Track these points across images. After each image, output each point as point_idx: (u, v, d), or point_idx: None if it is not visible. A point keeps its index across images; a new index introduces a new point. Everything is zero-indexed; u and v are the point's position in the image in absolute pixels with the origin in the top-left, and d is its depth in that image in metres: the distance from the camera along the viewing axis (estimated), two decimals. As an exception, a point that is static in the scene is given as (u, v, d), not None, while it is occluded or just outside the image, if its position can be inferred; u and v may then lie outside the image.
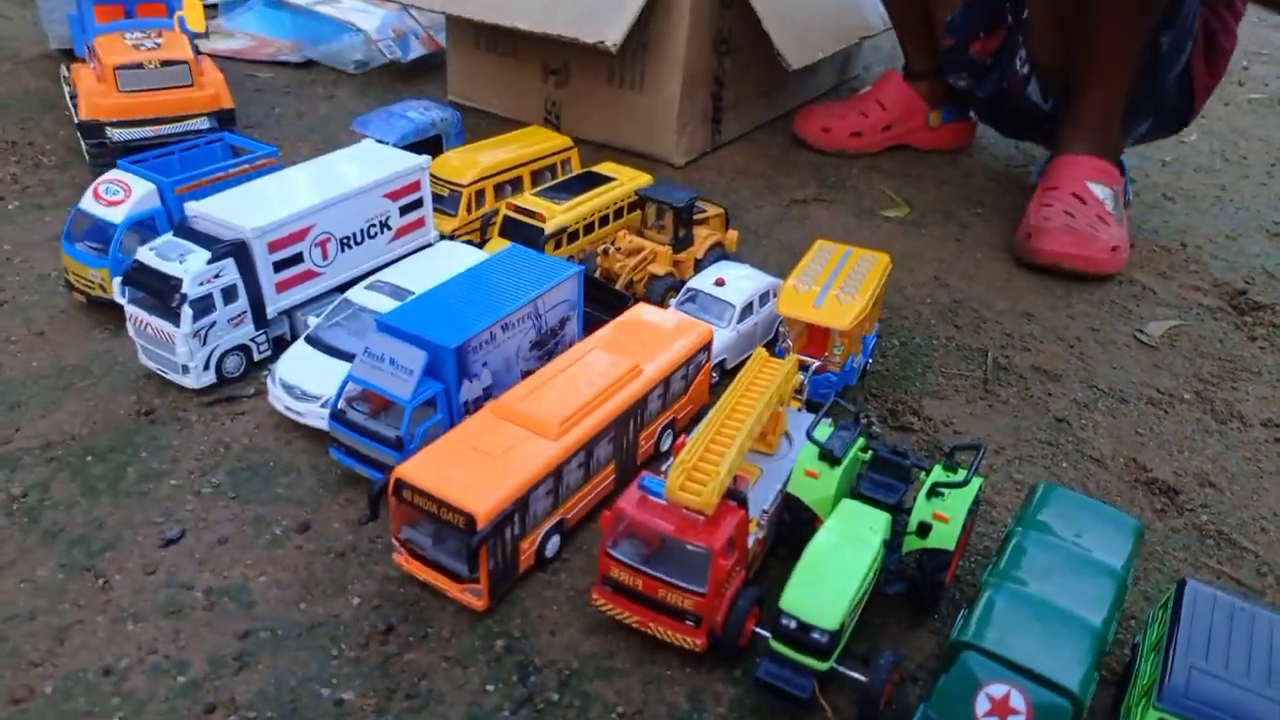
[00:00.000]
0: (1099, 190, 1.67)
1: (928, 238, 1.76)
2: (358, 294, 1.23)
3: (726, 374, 1.30)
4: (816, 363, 1.20)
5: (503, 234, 1.43)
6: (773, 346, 1.27)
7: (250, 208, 1.24)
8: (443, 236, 1.47)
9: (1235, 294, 1.63)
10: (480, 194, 1.53)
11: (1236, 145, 2.31)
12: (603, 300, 1.32)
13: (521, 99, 2.05)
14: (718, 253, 1.51)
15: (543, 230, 1.39)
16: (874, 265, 1.28)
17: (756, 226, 1.73)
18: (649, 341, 1.14)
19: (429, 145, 1.65)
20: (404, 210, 1.40)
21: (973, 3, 1.78)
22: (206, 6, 2.29)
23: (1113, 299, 1.59)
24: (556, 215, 1.42)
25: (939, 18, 1.85)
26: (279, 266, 1.25)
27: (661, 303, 1.37)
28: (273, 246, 1.23)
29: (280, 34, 2.39)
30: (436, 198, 1.48)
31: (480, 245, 1.44)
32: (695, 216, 1.49)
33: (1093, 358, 1.43)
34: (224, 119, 1.71)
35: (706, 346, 1.20)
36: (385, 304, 1.19)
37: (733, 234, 1.57)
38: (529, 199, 1.45)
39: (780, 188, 1.89)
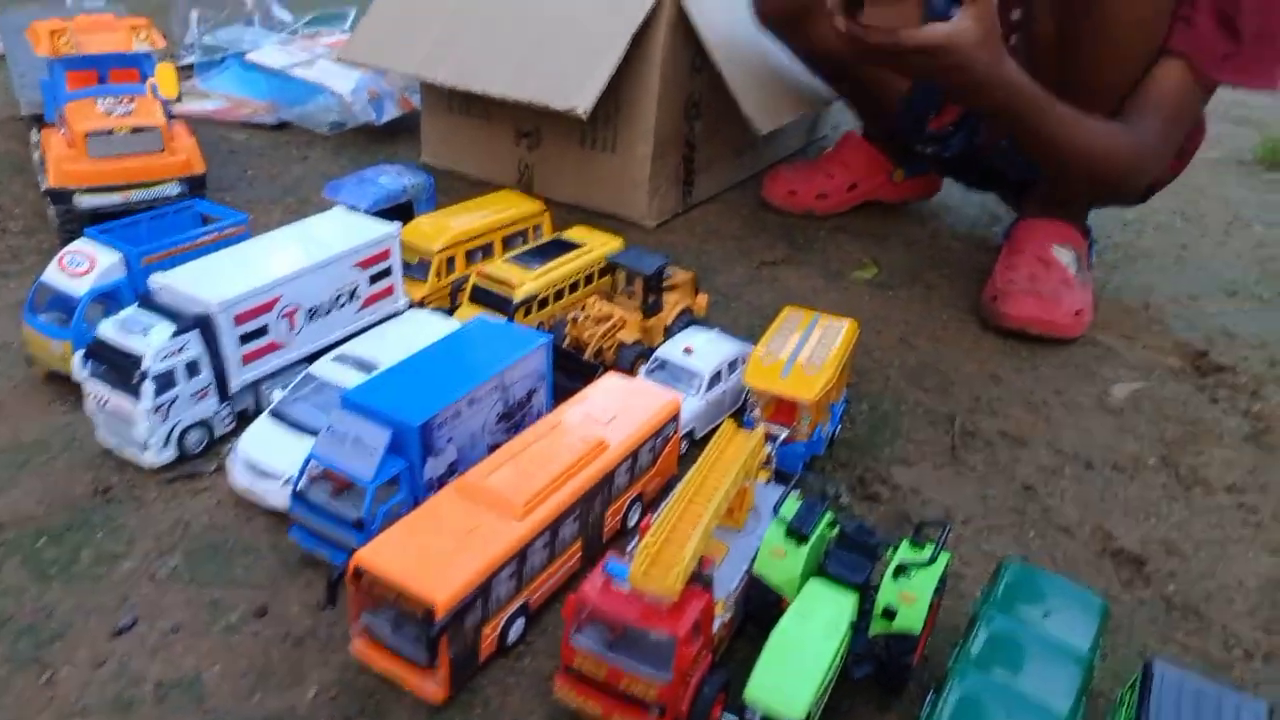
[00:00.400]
0: (1062, 254, 1.70)
1: (895, 299, 1.78)
2: (323, 367, 1.22)
3: (695, 444, 1.29)
4: (785, 432, 1.20)
5: (473, 301, 1.43)
6: (741, 416, 1.27)
7: (216, 279, 1.23)
8: (412, 304, 1.47)
9: (1197, 355, 1.66)
10: (450, 260, 1.54)
11: (1196, 203, 2.37)
12: (571, 369, 1.32)
13: (494, 161, 2.07)
14: (687, 318, 1.52)
15: (512, 299, 1.39)
16: (841, 332, 1.29)
17: (727, 289, 1.74)
18: (617, 413, 1.14)
19: (401, 211, 1.65)
20: (373, 279, 1.40)
21: (914, 99, 1.83)
22: (181, 68, 2.31)
23: (1077, 361, 1.61)
24: (526, 283, 1.42)
25: (888, 108, 1.91)
26: (245, 339, 1.24)
27: (631, 371, 1.37)
28: (239, 319, 1.22)
29: (255, 95, 2.40)
30: (406, 264, 1.48)
31: (450, 312, 1.44)
32: (665, 282, 1.50)
33: (1058, 422, 1.44)
34: (195, 184, 1.71)
35: (675, 417, 1.20)
36: (351, 377, 1.18)
37: (702, 298, 1.58)
38: (499, 266, 1.46)
39: (750, 249, 1.91)
